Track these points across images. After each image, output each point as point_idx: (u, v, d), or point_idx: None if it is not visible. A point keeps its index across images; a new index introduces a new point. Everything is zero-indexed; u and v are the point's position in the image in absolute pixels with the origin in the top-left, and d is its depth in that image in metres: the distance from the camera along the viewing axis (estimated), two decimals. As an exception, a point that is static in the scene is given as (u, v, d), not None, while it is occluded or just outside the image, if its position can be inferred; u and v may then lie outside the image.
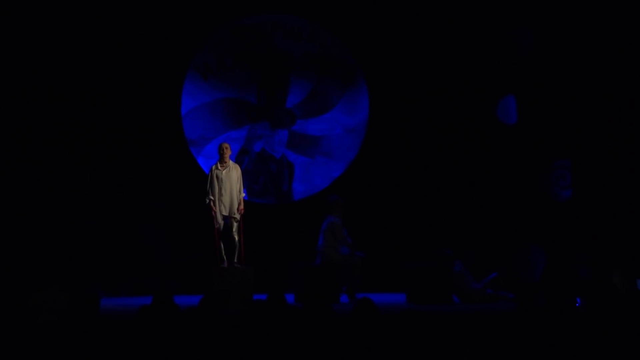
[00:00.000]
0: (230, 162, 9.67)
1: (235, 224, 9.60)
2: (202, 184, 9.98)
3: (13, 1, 10.12)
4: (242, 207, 9.62)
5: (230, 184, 9.55)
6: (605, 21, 10.11)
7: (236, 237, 9.61)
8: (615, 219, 10.03)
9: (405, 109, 11.41)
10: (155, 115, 10.81)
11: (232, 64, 11.19)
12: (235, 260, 9.61)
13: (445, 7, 11.29)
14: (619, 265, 9.21)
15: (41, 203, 10.16)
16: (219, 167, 9.60)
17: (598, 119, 10.25)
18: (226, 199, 9.54)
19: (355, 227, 10.82)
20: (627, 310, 5.58)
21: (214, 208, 9.52)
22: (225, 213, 9.55)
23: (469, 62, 11.31)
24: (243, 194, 9.70)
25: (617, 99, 10.10)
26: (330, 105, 11.43)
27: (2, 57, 10.08)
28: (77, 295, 5.76)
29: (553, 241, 10.66)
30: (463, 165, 11.44)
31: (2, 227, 9.99)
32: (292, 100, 11.37)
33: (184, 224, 10.90)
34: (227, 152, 9.64)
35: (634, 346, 5.07)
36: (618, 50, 10.06)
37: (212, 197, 9.53)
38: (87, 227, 10.49)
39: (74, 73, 10.36)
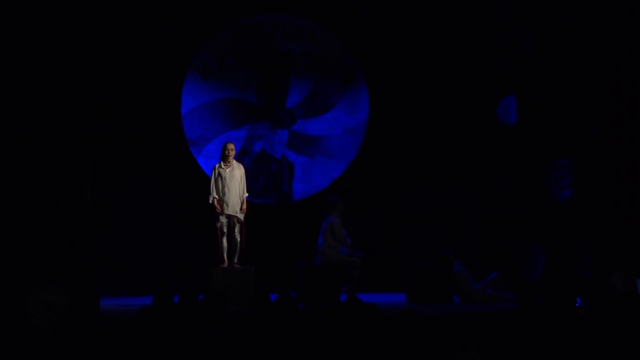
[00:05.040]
0: (234, 162, 9.69)
1: (237, 224, 9.62)
2: (202, 184, 9.99)
3: (14, 1, 10.11)
4: (244, 206, 9.64)
5: (233, 183, 9.57)
6: (606, 21, 10.10)
7: (238, 238, 9.62)
8: (615, 219, 10.02)
9: (405, 109, 11.41)
10: (155, 115, 10.82)
11: (232, 64, 11.19)
12: (236, 260, 9.62)
13: (445, 7, 11.29)
14: (619, 265, 9.22)
15: (41, 203, 10.15)
16: (223, 166, 9.62)
17: (598, 118, 10.25)
18: (229, 198, 9.55)
19: (355, 227, 10.81)
20: (627, 310, 5.58)
21: (217, 207, 9.53)
22: (228, 212, 9.56)
23: (469, 62, 11.30)
24: (246, 194, 9.72)
25: (617, 99, 10.09)
26: (330, 105, 11.43)
27: (2, 57, 10.08)
28: (77, 295, 5.76)
29: (553, 241, 10.66)
30: (463, 165, 11.43)
31: (2, 227, 9.99)
32: (292, 100, 11.37)
33: (184, 224, 10.90)
34: (232, 153, 9.67)
35: (634, 346, 5.07)
36: (618, 50, 10.05)
37: (215, 196, 9.55)
38: (86, 227, 10.48)
39: (74, 73, 10.34)
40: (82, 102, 10.43)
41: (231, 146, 9.72)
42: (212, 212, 9.64)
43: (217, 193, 9.57)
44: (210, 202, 9.59)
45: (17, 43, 10.07)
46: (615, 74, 10.06)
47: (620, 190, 10.01)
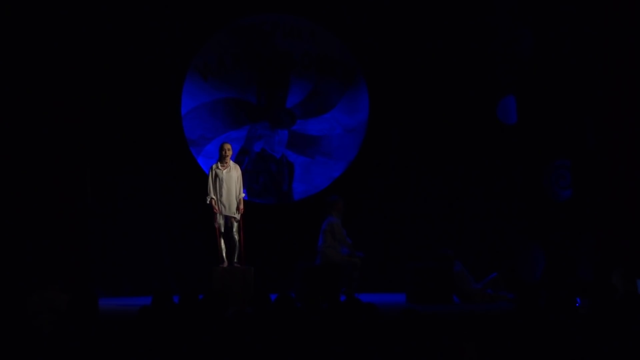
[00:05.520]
0: (231, 163, 9.69)
1: (235, 224, 9.63)
2: (202, 184, 9.98)
3: (14, 1, 10.11)
4: (241, 207, 9.64)
5: (230, 183, 9.57)
6: (606, 21, 10.10)
7: (236, 237, 9.63)
8: (615, 218, 10.02)
9: (405, 109, 11.41)
10: (155, 115, 10.82)
11: (232, 64, 11.19)
12: (236, 260, 9.62)
13: (445, 7, 11.29)
14: (619, 265, 9.21)
15: (41, 203, 10.15)
16: (220, 167, 9.62)
17: (598, 118, 10.25)
18: (226, 198, 9.56)
19: (355, 227, 10.81)
20: (627, 310, 5.58)
21: (215, 207, 9.54)
22: (225, 213, 9.57)
23: (469, 62, 11.30)
24: (243, 194, 9.73)
25: (617, 99, 10.09)
26: (330, 105, 11.43)
27: (2, 56, 10.07)
28: (77, 295, 5.76)
29: (553, 241, 10.66)
30: (463, 165, 11.43)
31: (2, 227, 9.98)
32: (292, 100, 11.37)
33: (184, 224, 10.90)
34: (229, 153, 9.66)
35: (634, 346, 5.07)
36: (618, 50, 10.05)
37: (213, 197, 9.55)
38: (87, 227, 10.48)
39: (74, 73, 10.34)
40: (82, 102, 10.42)
41: (228, 146, 9.70)
42: (211, 212, 9.64)
43: (215, 194, 9.57)
44: (208, 202, 9.58)
45: (16, 43, 10.06)
46: (615, 74, 10.06)
47: (619, 190, 10.01)
